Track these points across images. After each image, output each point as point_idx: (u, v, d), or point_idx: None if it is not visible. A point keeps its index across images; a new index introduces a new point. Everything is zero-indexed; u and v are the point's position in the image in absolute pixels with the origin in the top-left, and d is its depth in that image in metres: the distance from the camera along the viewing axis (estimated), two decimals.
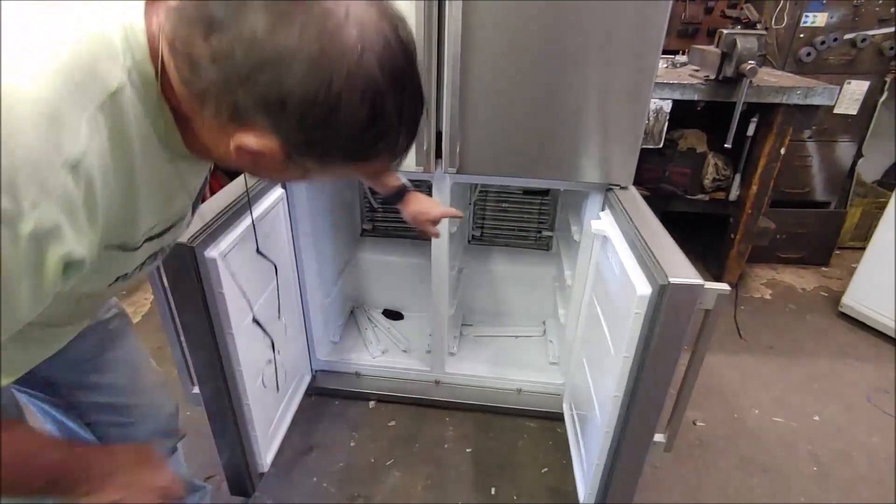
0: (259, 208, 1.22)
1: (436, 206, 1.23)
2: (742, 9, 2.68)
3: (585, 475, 1.27)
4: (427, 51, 1.14)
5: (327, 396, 1.74)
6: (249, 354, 1.20)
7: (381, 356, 1.80)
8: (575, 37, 1.11)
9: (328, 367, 1.77)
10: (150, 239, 0.57)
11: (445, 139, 1.25)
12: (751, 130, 2.12)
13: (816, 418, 1.72)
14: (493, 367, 1.76)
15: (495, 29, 1.12)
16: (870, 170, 2.79)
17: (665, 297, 0.87)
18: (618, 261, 1.05)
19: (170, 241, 0.64)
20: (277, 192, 1.32)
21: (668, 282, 0.86)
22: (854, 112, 2.50)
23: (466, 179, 1.37)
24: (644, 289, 0.92)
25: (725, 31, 1.92)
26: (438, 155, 1.30)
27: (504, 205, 1.97)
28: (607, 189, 1.28)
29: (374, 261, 2.00)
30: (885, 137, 2.70)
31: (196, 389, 1.17)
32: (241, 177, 1.28)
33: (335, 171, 0.51)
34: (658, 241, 1.00)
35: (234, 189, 1.18)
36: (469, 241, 2.06)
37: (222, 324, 1.08)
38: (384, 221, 2.06)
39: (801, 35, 2.37)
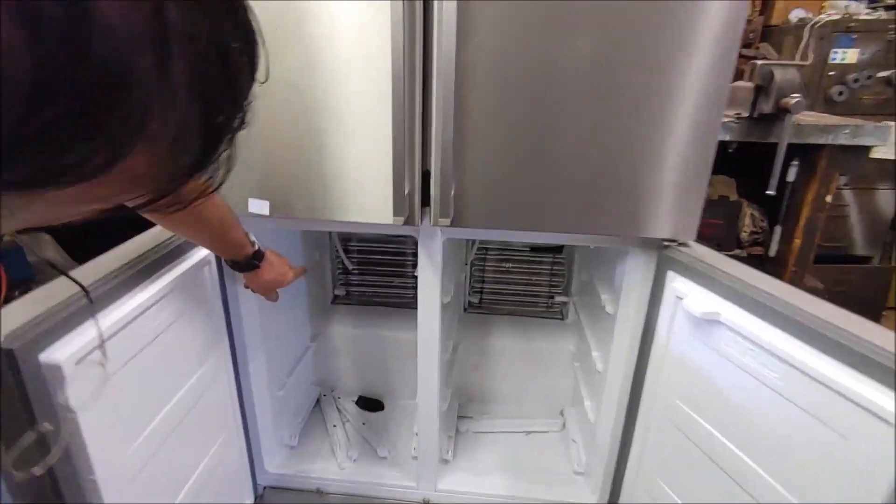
0: (170, 274, 0.84)
1: (289, 269, 0.98)
2: (757, 48, 2.48)
3: None
4: (408, 63, 0.82)
5: None
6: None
7: (352, 465, 1.36)
8: (622, 43, 0.79)
9: (280, 483, 1.33)
10: None
11: (435, 181, 0.90)
12: (791, 176, 1.82)
13: None
14: (498, 479, 1.33)
15: (505, 31, 0.80)
16: None
17: None
18: (781, 366, 0.68)
19: None
20: (200, 252, 0.95)
21: None
22: (892, 157, 2.23)
23: (463, 234, 1.02)
24: None
25: (759, 63, 1.66)
26: (425, 202, 0.95)
27: (507, 264, 1.61)
28: (663, 246, 0.92)
29: (348, 335, 1.61)
30: None
31: None
32: (150, 230, 0.91)
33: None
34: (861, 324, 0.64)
35: (120, 252, 0.80)
36: (465, 310, 1.68)
37: (78, 469, 0.67)
38: (361, 286, 1.69)
39: (831, 73, 2.14)
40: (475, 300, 1.68)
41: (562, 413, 1.57)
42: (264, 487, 1.33)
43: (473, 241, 1.56)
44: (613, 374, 1.11)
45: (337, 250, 1.62)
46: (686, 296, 0.82)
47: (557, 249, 1.56)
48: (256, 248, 0.89)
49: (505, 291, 1.66)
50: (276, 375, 1.31)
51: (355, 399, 1.62)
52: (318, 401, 1.60)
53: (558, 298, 1.63)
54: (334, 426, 1.49)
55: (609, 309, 1.15)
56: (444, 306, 1.15)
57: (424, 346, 1.13)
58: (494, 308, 1.68)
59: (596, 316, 1.30)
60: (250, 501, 1.24)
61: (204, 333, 0.97)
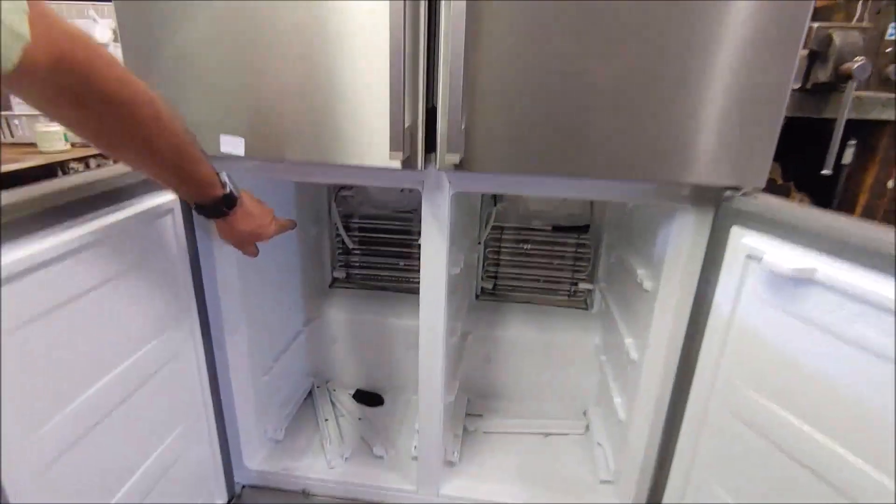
0: (112, 217, 0.69)
1: (271, 221, 0.84)
2: None
3: None
4: None
5: None
6: None
7: (343, 465, 1.19)
8: None
9: (261, 481, 1.17)
10: None
11: (443, 113, 0.75)
12: (848, 158, 1.62)
13: None
14: (511, 485, 1.15)
15: None
16: None
17: None
18: None
19: None
20: (162, 196, 0.79)
21: None
22: None
23: (476, 184, 0.85)
24: None
25: (816, 25, 1.47)
26: (430, 148, 0.79)
27: (526, 245, 1.44)
28: (724, 198, 0.75)
29: (347, 321, 1.45)
30: None
31: None
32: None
33: None
34: None
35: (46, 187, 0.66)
36: (477, 297, 1.51)
37: None
38: (363, 268, 1.53)
39: (888, 50, 1.93)
40: (488, 286, 1.50)
41: (585, 414, 1.38)
42: (243, 486, 1.16)
43: (488, 218, 1.39)
44: (652, 362, 0.93)
45: (337, 227, 1.47)
46: (765, 252, 0.63)
47: (583, 228, 1.39)
48: (228, 190, 0.74)
49: (522, 277, 1.48)
50: (260, 357, 1.15)
51: (352, 392, 1.46)
52: (310, 392, 1.43)
53: (583, 286, 1.45)
54: (326, 420, 1.32)
55: (648, 285, 0.97)
56: (450, 284, 0.98)
57: (428, 325, 0.96)
58: (510, 295, 1.51)
59: (629, 298, 1.12)
60: (222, 501, 1.08)
61: (162, 296, 0.81)
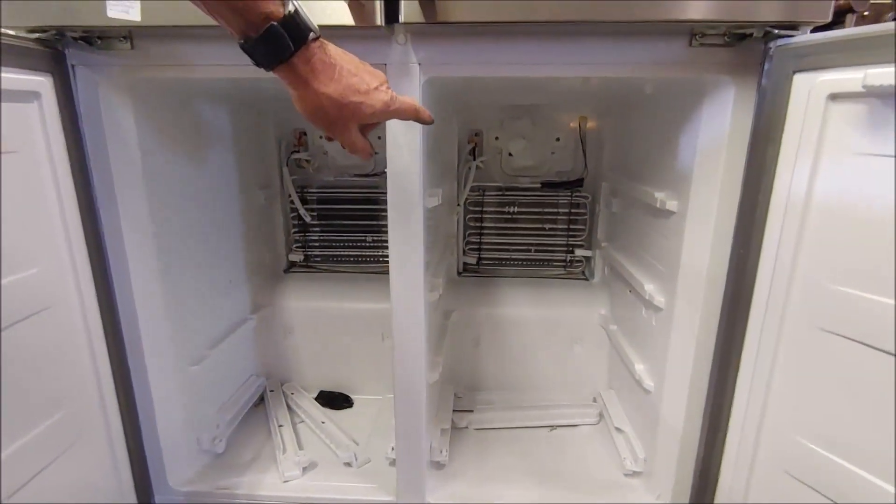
0: None
1: (378, 88, 0.51)
2: None
3: None
4: None
5: None
6: None
7: (302, 477, 0.93)
8: None
9: None
10: None
11: None
12: None
13: None
14: (517, 487, 0.91)
15: None
16: None
17: None
18: None
19: None
20: (22, 72, 0.57)
21: None
22: None
23: (452, 61, 0.66)
24: None
25: None
26: (392, 17, 0.60)
27: (511, 208, 1.25)
28: (777, 44, 0.57)
29: (306, 311, 1.21)
30: None
31: None
32: None
33: None
34: None
35: None
36: (459, 273, 1.30)
37: None
38: (324, 247, 1.30)
39: None
40: (472, 261, 1.30)
41: (594, 400, 1.15)
42: None
43: (467, 176, 1.20)
44: (686, 302, 0.73)
45: (291, 200, 1.25)
46: (865, 73, 0.46)
47: (576, 183, 1.21)
48: (292, 8, 0.46)
49: (510, 247, 1.28)
50: (187, 338, 0.90)
51: (314, 395, 1.20)
52: (261, 398, 1.17)
53: (580, 252, 1.25)
54: (280, 426, 1.06)
55: (672, 205, 0.78)
56: (427, 216, 0.78)
57: (399, 288, 0.76)
58: (497, 270, 1.30)
59: (646, 239, 0.93)
60: None
61: (22, 218, 0.58)
